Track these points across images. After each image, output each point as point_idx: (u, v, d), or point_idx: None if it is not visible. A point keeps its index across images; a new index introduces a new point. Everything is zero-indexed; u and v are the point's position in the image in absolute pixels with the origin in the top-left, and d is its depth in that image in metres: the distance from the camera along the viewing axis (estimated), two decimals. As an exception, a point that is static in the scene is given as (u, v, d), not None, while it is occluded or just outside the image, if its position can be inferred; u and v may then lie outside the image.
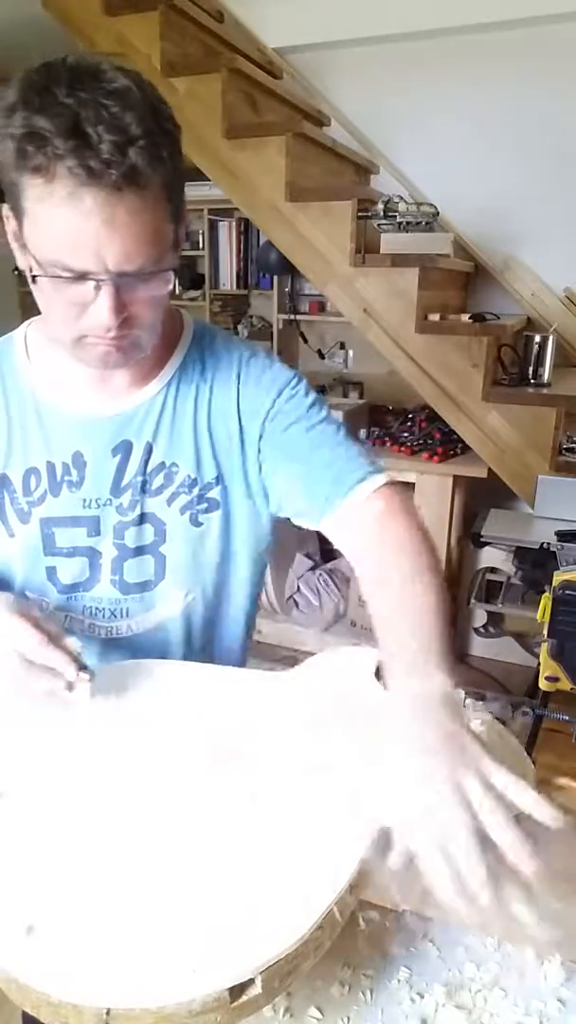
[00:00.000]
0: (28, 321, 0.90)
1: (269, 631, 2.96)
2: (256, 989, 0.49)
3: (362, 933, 0.68)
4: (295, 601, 2.99)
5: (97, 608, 0.90)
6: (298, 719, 0.75)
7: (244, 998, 0.48)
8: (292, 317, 3.13)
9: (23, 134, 0.63)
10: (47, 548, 0.87)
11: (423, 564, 0.76)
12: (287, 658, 2.77)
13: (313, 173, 2.37)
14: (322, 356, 3.19)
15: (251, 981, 0.49)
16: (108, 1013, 0.47)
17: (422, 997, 0.61)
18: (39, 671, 0.71)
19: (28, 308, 0.82)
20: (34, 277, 0.70)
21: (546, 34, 2.52)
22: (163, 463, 0.87)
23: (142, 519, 0.87)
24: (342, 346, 3.17)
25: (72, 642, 0.73)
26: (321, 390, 3.04)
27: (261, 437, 0.87)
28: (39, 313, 0.78)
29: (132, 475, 0.86)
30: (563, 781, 2.14)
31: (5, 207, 0.71)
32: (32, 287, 0.73)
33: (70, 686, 0.72)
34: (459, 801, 0.53)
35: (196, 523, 0.88)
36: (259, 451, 0.88)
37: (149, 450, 0.86)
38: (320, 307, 3.08)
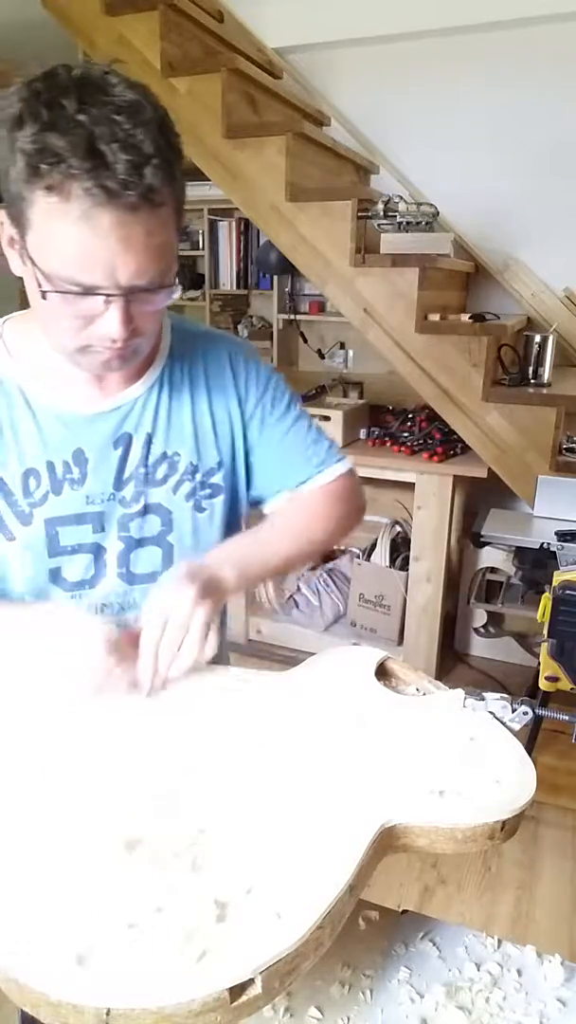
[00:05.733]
0: (3, 319, 0.88)
1: (269, 631, 2.96)
2: (256, 989, 0.49)
3: (362, 933, 0.68)
4: (295, 601, 2.99)
5: (105, 604, 0.90)
6: (297, 716, 0.75)
7: (244, 998, 0.48)
8: (292, 317, 3.13)
9: (35, 150, 0.62)
10: (51, 548, 0.86)
11: (306, 534, 0.95)
12: (287, 658, 2.77)
13: (313, 173, 2.37)
14: (322, 356, 3.19)
15: (251, 981, 0.48)
16: (108, 1013, 0.47)
17: (422, 997, 0.61)
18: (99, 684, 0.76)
19: (27, 307, 0.81)
20: (44, 292, 0.69)
21: (546, 34, 2.52)
22: (165, 453, 0.89)
23: (146, 510, 0.89)
24: (342, 346, 3.16)
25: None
26: (321, 390, 3.04)
27: (247, 427, 0.94)
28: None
29: (134, 467, 0.88)
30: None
31: (2, 213, 0.70)
32: (30, 295, 0.73)
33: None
34: (166, 619, 0.76)
35: (200, 509, 0.92)
36: (245, 439, 0.95)
37: (149, 441, 0.88)
38: (320, 307, 3.08)
